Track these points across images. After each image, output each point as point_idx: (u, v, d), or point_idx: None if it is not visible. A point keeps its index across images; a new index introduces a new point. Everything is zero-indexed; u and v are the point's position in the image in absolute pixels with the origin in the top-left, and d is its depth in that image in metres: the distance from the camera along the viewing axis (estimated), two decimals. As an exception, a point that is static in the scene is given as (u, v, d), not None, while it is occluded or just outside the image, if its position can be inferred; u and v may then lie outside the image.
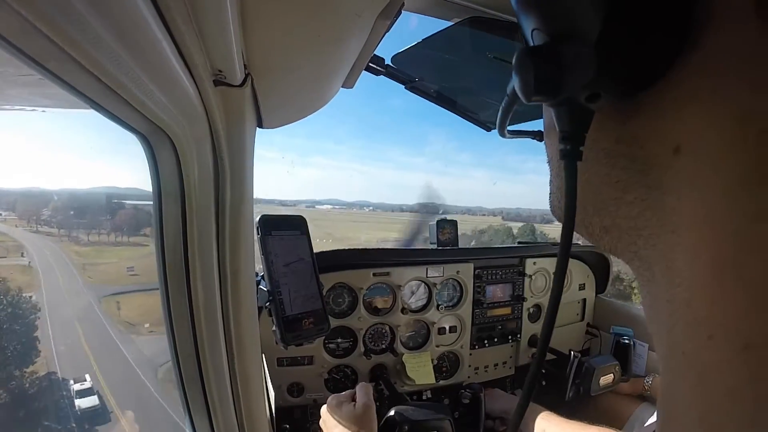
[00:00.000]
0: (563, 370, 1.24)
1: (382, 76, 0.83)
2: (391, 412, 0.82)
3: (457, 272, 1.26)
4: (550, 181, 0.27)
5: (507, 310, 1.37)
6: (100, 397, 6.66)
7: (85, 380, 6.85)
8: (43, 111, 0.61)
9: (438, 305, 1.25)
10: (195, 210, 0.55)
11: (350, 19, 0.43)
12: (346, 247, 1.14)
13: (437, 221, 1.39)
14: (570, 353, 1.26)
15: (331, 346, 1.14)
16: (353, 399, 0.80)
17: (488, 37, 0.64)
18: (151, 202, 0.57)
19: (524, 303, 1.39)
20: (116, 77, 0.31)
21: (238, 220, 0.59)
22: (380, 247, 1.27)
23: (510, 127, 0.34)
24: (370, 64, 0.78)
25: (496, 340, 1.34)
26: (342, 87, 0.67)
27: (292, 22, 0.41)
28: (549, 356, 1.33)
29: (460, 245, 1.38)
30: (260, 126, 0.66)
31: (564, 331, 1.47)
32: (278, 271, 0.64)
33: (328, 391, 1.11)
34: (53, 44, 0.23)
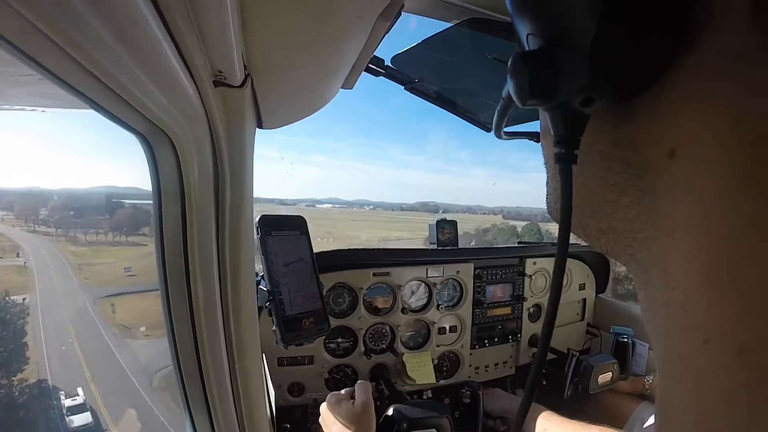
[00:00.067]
0: (563, 369, 1.24)
1: (381, 77, 0.83)
2: (390, 411, 0.82)
3: (457, 272, 1.26)
4: (547, 182, 0.27)
5: (507, 310, 1.37)
6: (93, 412, 6.22)
7: (77, 395, 6.43)
8: (43, 111, 0.61)
9: (438, 305, 1.25)
10: (195, 210, 0.55)
11: (350, 20, 0.43)
12: (347, 247, 1.14)
13: (437, 221, 1.39)
14: (568, 352, 1.26)
15: (331, 345, 1.14)
16: (352, 397, 0.81)
17: (488, 39, 0.64)
18: (150, 201, 0.57)
19: (524, 303, 1.39)
20: (116, 77, 0.31)
21: (238, 220, 0.59)
22: (380, 247, 1.28)
23: (508, 129, 0.34)
24: (370, 65, 0.78)
25: (496, 339, 1.34)
26: (342, 88, 0.67)
27: (292, 23, 0.41)
28: (549, 356, 1.34)
29: (463, 244, 1.38)
30: (260, 126, 0.66)
31: (564, 331, 1.47)
32: (278, 271, 0.64)
33: (329, 391, 1.11)
34: (53, 44, 0.24)
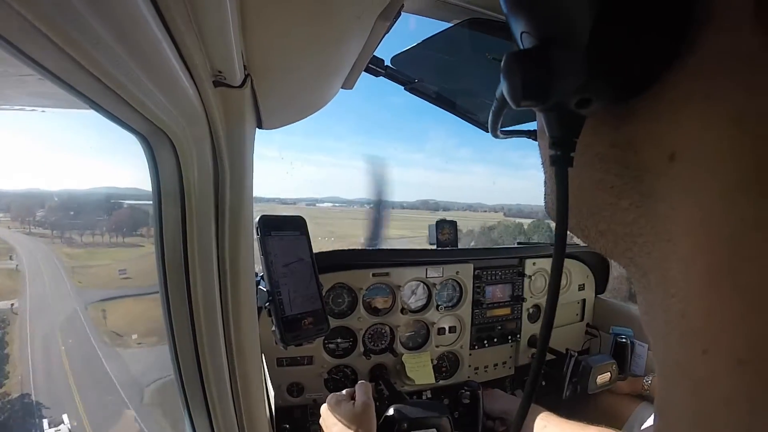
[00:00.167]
0: (561, 369, 1.24)
1: (381, 77, 0.83)
2: (390, 411, 0.82)
3: (457, 273, 1.26)
4: (545, 182, 0.26)
5: (506, 311, 1.37)
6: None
7: (62, 421, 5.86)
8: (43, 111, 0.61)
9: (437, 305, 1.25)
10: (195, 210, 0.55)
11: (350, 21, 0.43)
12: (350, 245, 1.14)
13: (437, 222, 1.39)
14: (567, 352, 1.26)
15: (330, 346, 1.14)
16: (352, 397, 0.80)
17: (487, 39, 0.64)
18: (149, 201, 0.57)
19: (524, 303, 1.39)
20: (116, 77, 0.31)
21: (237, 220, 0.59)
22: (380, 248, 1.28)
23: (506, 127, 0.34)
24: (370, 65, 0.78)
25: (495, 340, 1.34)
26: (341, 88, 0.67)
27: (292, 23, 0.41)
28: (548, 356, 1.34)
29: (466, 242, 1.38)
30: (260, 127, 0.66)
31: (563, 332, 1.47)
32: (278, 272, 0.64)
33: (328, 391, 1.11)
34: (53, 44, 0.24)
